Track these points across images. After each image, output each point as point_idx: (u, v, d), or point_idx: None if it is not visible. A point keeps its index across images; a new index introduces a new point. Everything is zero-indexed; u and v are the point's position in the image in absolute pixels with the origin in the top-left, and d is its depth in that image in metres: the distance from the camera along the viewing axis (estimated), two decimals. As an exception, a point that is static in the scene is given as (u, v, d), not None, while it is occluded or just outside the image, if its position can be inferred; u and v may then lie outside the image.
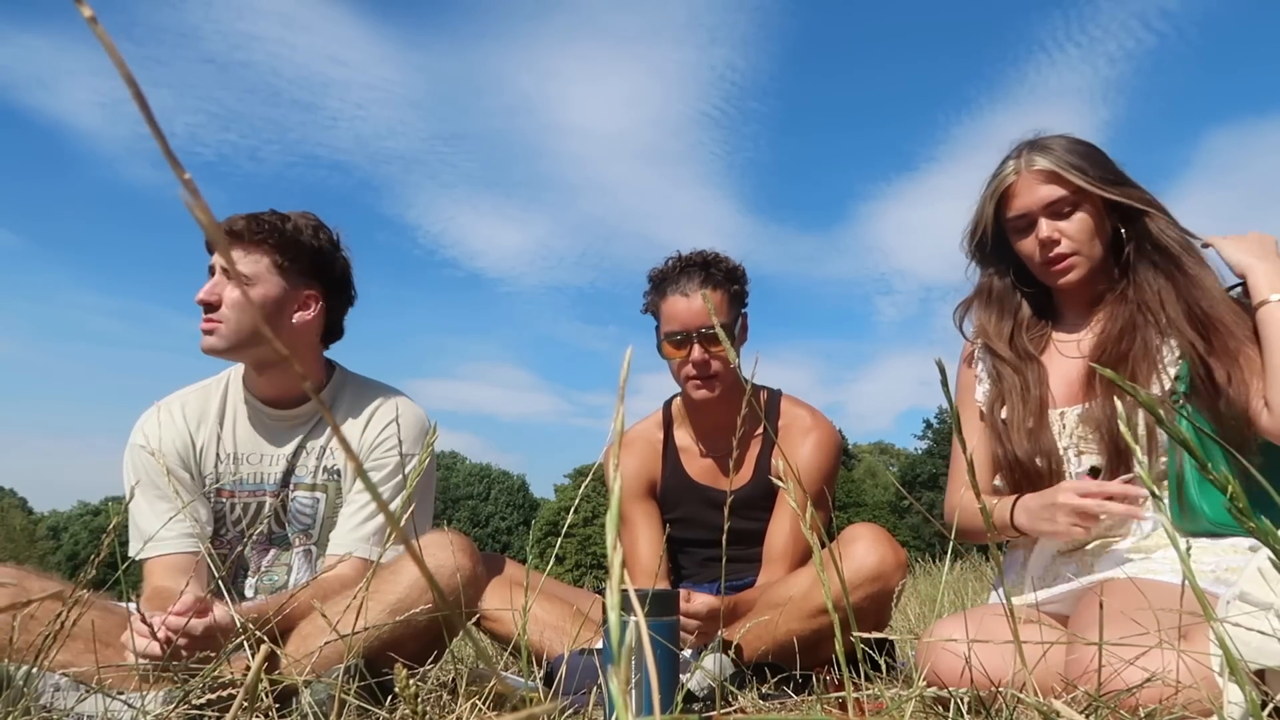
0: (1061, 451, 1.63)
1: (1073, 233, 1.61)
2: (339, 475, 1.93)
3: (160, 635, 1.36)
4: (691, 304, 2.03)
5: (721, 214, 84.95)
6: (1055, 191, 1.60)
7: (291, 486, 1.92)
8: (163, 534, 1.73)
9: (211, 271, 1.82)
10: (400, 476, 1.91)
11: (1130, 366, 1.56)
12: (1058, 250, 1.62)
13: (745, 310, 2.19)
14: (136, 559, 1.75)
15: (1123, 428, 0.62)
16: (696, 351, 2.03)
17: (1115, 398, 1.56)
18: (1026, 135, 1.70)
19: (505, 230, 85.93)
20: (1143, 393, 0.50)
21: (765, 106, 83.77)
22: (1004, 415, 1.69)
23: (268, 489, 1.91)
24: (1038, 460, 1.63)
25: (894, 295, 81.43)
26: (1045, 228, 1.62)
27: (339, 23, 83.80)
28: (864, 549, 1.79)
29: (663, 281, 2.10)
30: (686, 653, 1.71)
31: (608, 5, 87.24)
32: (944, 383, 0.73)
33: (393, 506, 1.89)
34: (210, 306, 1.79)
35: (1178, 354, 1.55)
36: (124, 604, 1.65)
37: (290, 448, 1.92)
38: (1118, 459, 1.57)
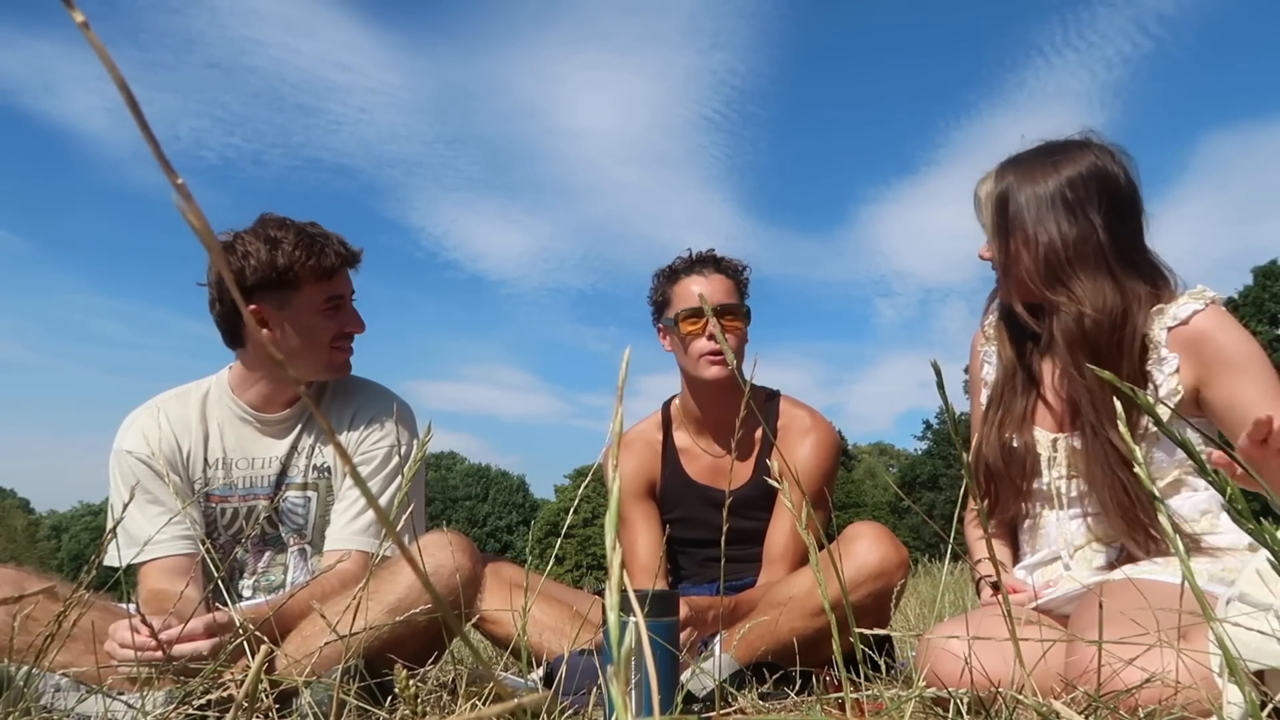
0: (1054, 480, 1.62)
1: (990, 255, 1.65)
2: (329, 473, 1.94)
3: (162, 636, 1.36)
4: (710, 283, 2.12)
5: (722, 217, 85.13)
6: (981, 218, 1.65)
7: (283, 487, 1.92)
8: (156, 537, 1.73)
9: (339, 300, 1.87)
10: (388, 469, 1.93)
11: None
12: (993, 269, 1.67)
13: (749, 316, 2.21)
14: (131, 563, 1.74)
15: (1122, 428, 0.62)
16: (714, 325, 2.07)
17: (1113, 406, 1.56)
18: (1049, 137, 1.65)
19: (507, 233, 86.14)
20: (1140, 394, 0.50)
21: (766, 110, 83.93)
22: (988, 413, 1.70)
23: (261, 492, 1.91)
24: (1008, 468, 1.65)
25: (894, 297, 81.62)
26: (984, 245, 1.67)
27: (343, 28, 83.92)
28: (866, 547, 1.80)
29: (675, 272, 2.17)
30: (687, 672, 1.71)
31: (610, 11, 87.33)
32: (939, 384, 0.73)
33: (384, 497, 1.91)
34: (352, 336, 1.91)
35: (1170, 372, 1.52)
36: (124, 605, 1.65)
37: (282, 450, 1.92)
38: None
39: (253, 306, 1.81)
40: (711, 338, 2.08)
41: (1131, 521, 1.50)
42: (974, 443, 1.73)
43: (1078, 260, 1.51)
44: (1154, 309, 1.52)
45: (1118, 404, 0.66)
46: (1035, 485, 1.64)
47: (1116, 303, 1.50)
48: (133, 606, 1.60)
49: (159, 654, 1.35)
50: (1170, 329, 1.50)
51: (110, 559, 1.71)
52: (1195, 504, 1.54)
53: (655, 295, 2.21)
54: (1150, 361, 1.52)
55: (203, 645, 1.39)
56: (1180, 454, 1.53)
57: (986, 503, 1.70)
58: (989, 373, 1.76)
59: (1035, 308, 1.62)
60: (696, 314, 2.10)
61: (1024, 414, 1.65)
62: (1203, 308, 1.50)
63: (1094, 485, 1.54)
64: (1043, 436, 1.64)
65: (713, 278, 2.12)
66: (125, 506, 1.70)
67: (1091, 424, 1.51)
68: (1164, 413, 1.47)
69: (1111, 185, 1.55)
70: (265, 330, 1.83)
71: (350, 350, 1.92)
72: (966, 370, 1.90)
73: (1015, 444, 1.64)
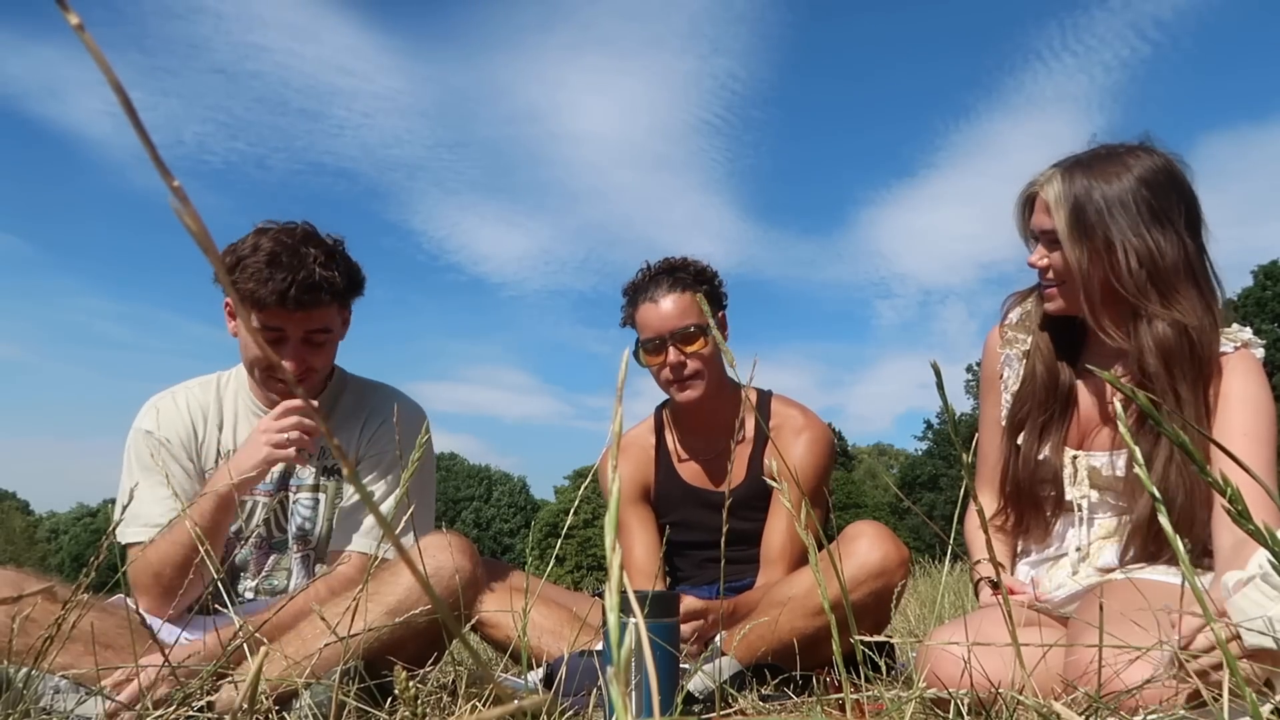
0: (1078, 499, 1.60)
1: (1056, 264, 1.56)
2: (339, 474, 1.94)
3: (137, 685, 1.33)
4: (661, 309, 2.06)
5: (723, 219, 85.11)
6: (1045, 222, 1.55)
7: (293, 489, 1.92)
8: (161, 520, 1.73)
9: (278, 333, 1.76)
10: (396, 472, 1.92)
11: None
12: (1046, 277, 1.59)
13: (724, 310, 2.21)
14: (136, 541, 1.74)
15: (1122, 427, 0.62)
16: (672, 354, 2.06)
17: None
18: (1092, 144, 1.59)
19: (508, 236, 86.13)
20: (1141, 394, 0.50)
21: (766, 114, 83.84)
22: (1020, 439, 1.65)
23: (264, 488, 1.91)
24: (1036, 486, 1.63)
25: (893, 299, 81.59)
26: (1037, 253, 1.59)
27: (346, 33, 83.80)
28: (867, 546, 1.80)
29: (634, 293, 2.13)
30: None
31: (611, 16, 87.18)
32: (940, 385, 0.73)
33: (391, 500, 1.91)
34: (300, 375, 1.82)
35: None
36: (123, 599, 1.65)
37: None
38: (1141, 536, 1.51)
39: (227, 300, 1.85)
40: (672, 367, 2.06)
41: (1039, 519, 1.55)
42: (983, 446, 1.72)
43: (1172, 270, 1.46)
44: None
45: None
46: (1056, 499, 1.63)
47: (1209, 317, 1.46)
48: (132, 602, 1.60)
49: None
50: None
51: (120, 538, 1.72)
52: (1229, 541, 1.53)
53: (625, 318, 2.17)
54: None
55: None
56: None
57: (1008, 519, 1.69)
58: (1009, 377, 1.72)
59: (1081, 322, 1.58)
60: (654, 347, 2.06)
61: (1064, 433, 1.61)
62: (1231, 351, 1.47)
63: (1139, 502, 1.51)
64: (1066, 454, 1.62)
65: (664, 300, 2.05)
66: (130, 492, 1.70)
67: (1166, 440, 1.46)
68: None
69: (1185, 192, 1.50)
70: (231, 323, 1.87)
71: (283, 387, 1.83)
72: (978, 365, 1.87)
73: (1045, 460, 1.61)
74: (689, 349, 2.06)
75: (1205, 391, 1.45)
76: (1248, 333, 1.49)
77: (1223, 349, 1.47)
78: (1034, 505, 1.65)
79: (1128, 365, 1.53)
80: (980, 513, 0.81)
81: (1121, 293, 1.48)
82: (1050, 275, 1.58)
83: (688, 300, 2.06)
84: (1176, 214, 1.48)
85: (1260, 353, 1.49)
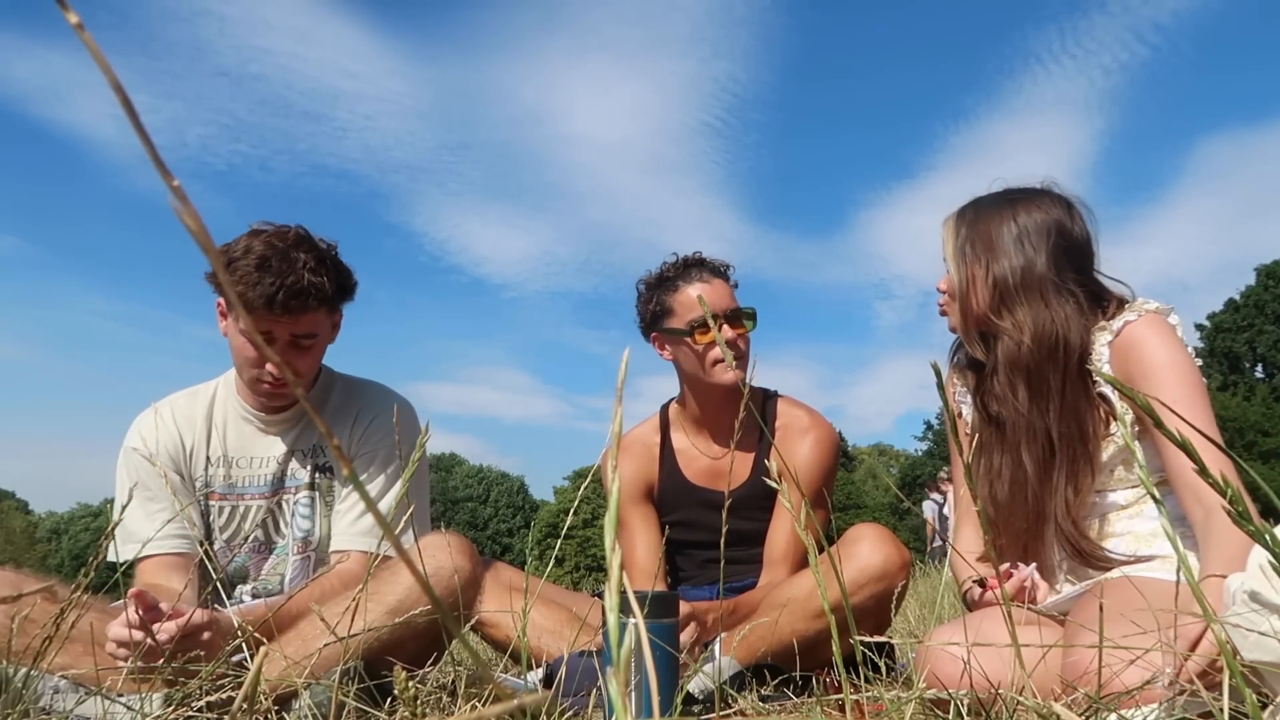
0: None
1: (946, 286, 1.71)
2: (332, 472, 1.95)
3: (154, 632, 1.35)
4: (714, 289, 2.10)
5: (723, 221, 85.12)
6: (944, 247, 1.71)
7: (292, 490, 1.93)
8: (152, 534, 1.74)
9: (269, 338, 1.75)
10: (390, 468, 1.93)
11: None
12: (941, 298, 1.75)
13: None
14: (128, 560, 1.75)
15: (1124, 428, 0.62)
16: (728, 331, 2.08)
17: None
18: (998, 185, 1.74)
19: (510, 237, 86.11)
20: (1139, 395, 0.50)
21: (766, 117, 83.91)
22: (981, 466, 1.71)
23: (259, 491, 1.92)
24: (999, 515, 1.67)
25: (893, 300, 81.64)
26: (942, 278, 1.73)
27: (350, 36, 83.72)
28: (868, 549, 1.80)
29: (670, 279, 2.14)
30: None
31: (613, 20, 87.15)
32: (939, 385, 0.73)
33: (388, 496, 1.91)
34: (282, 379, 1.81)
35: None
36: (121, 603, 1.66)
37: (281, 450, 1.93)
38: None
39: (219, 300, 1.84)
40: (728, 344, 2.07)
41: (1029, 545, 1.57)
42: (956, 486, 1.76)
43: (1023, 289, 1.59)
44: (1097, 327, 1.56)
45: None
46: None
47: (1051, 327, 1.56)
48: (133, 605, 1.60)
49: (151, 640, 1.34)
50: (1109, 344, 1.53)
51: (112, 555, 1.72)
52: (1150, 527, 1.55)
53: (651, 305, 2.16)
54: (1099, 383, 1.53)
55: (172, 625, 1.36)
56: (1136, 476, 1.55)
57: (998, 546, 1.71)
58: (966, 412, 1.78)
59: (984, 338, 1.68)
60: (707, 324, 2.07)
61: (1002, 460, 1.67)
62: (1135, 318, 1.52)
63: (997, 505, 1.60)
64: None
65: (714, 282, 2.11)
66: (125, 507, 1.71)
67: (1015, 446, 1.59)
68: (1116, 437, 1.52)
69: (1061, 225, 1.62)
70: (223, 321, 1.87)
71: (270, 389, 1.84)
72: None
73: (1000, 490, 1.65)
74: (738, 330, 2.11)
75: (1068, 397, 1.56)
76: (1153, 304, 1.56)
77: (1127, 319, 1.53)
78: (1010, 536, 1.65)
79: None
80: (986, 520, 0.81)
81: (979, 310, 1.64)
82: (942, 296, 1.73)
83: (730, 288, 2.15)
84: (1043, 239, 1.60)
85: (1175, 319, 1.55)
